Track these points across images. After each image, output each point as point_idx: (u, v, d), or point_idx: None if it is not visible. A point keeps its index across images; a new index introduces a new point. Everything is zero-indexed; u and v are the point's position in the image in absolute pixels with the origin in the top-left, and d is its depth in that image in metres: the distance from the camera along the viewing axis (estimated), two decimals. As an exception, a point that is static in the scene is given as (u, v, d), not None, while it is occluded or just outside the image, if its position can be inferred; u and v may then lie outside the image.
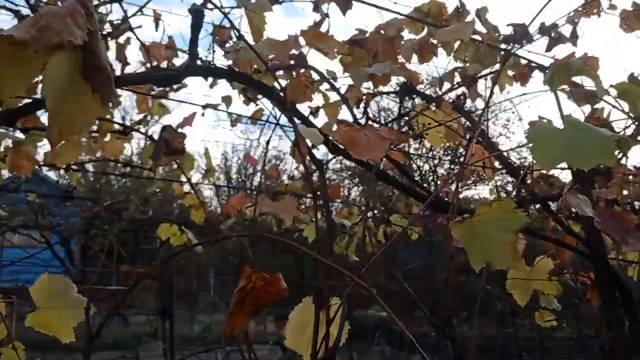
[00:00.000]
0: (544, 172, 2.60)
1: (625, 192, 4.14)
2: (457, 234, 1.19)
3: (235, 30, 1.40)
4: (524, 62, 2.29)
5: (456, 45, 2.22)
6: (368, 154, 1.12)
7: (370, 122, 2.60)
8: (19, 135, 2.15)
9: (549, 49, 2.33)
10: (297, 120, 1.44)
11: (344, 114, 2.53)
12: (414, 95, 2.57)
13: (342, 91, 2.38)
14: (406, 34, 1.95)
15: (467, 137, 2.06)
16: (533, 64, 2.37)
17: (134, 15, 2.03)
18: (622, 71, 2.01)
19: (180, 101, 3.09)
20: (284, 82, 1.58)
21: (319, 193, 1.30)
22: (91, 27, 0.69)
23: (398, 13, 2.03)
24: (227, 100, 2.72)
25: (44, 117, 2.42)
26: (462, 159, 2.35)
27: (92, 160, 2.81)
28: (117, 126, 2.58)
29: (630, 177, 3.91)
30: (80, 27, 0.68)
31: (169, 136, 1.10)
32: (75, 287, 1.30)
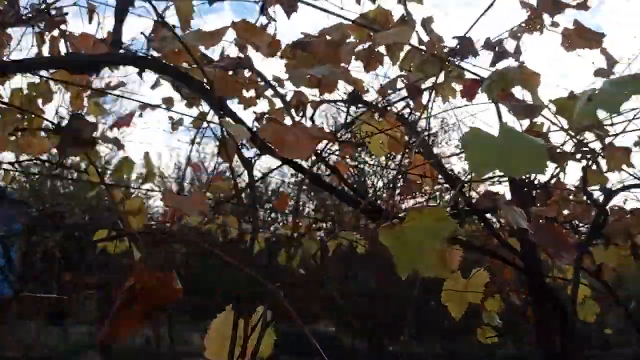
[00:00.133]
0: (489, 188, 2.61)
1: (566, 212, 4.23)
2: (385, 240, 1.14)
3: (158, 18, 1.33)
4: (470, 75, 2.30)
5: (402, 55, 2.20)
6: (295, 152, 1.06)
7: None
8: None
9: (493, 64, 2.34)
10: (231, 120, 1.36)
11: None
12: (361, 105, 2.54)
13: (289, 98, 2.33)
14: (352, 41, 1.92)
15: (409, 147, 2.04)
16: (478, 78, 2.38)
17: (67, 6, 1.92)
18: (563, 89, 2.04)
19: (119, 96, 2.95)
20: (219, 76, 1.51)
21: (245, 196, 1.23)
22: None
23: (344, 18, 1.99)
24: (168, 102, 2.62)
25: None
26: (402, 169, 2.33)
27: (20, 161, 2.65)
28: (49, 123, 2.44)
29: (571, 196, 4.00)
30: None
31: (78, 126, 1.01)
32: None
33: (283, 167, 1.97)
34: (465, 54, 2.12)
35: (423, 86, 2.05)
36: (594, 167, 2.11)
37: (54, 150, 2.39)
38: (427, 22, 2.02)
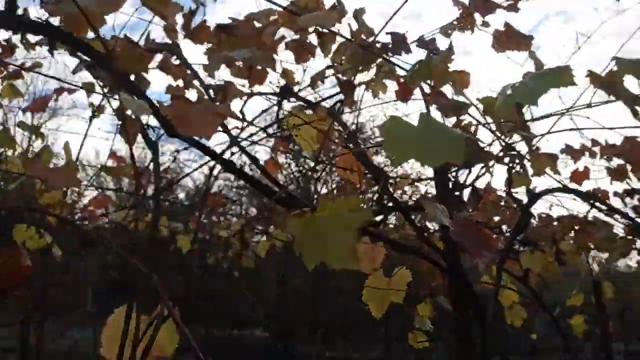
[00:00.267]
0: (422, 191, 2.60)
1: (497, 218, 4.30)
2: (293, 229, 1.07)
3: (51, -25, 1.21)
4: (401, 72, 2.27)
5: (334, 47, 2.15)
6: (198, 130, 0.97)
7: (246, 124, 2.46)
8: None
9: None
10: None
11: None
12: (292, 98, 2.47)
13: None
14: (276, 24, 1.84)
15: (337, 142, 1.98)
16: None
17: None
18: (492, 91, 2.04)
19: (34, 72, 2.75)
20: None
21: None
22: None
23: (275, 3, 1.92)
24: (89, 86, 2.45)
25: None
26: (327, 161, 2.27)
27: None
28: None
29: (502, 202, 4.08)
30: None
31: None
32: None
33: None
34: (397, 50, 2.09)
35: (353, 79, 2.00)
36: (520, 169, 2.12)
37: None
38: (358, 13, 1.97)
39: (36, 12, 1.49)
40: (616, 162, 3.14)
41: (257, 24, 1.93)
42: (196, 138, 1.23)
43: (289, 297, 13.86)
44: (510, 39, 2.11)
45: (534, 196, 2.12)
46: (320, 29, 2.06)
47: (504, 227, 4.19)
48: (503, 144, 1.92)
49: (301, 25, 1.70)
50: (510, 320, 4.74)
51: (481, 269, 3.49)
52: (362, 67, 1.98)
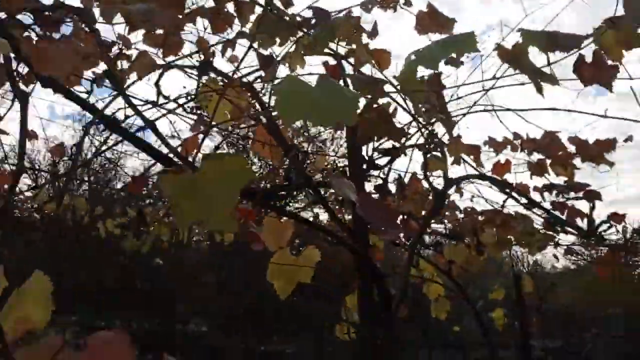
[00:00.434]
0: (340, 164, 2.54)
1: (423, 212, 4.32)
2: (165, 187, 0.97)
3: None
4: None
5: (252, 18, 2.06)
6: (54, 68, 0.86)
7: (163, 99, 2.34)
8: None
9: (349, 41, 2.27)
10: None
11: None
12: (211, 72, 2.36)
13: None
14: None
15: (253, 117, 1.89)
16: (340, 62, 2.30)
17: None
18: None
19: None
20: None
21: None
22: None
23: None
24: None
25: None
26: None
27: None
28: None
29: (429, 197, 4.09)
30: None
31: None
32: None
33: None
34: (318, 25, 2.02)
35: (270, 51, 1.92)
36: (438, 154, 2.10)
37: None
38: (277, -18, 1.89)
39: None
40: (536, 156, 3.20)
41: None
42: (72, 91, 1.11)
43: (227, 290, 13.63)
44: (432, 21, 2.08)
45: (449, 182, 2.10)
46: (238, -3, 1.97)
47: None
48: (421, 125, 1.89)
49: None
50: (435, 313, 4.81)
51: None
52: (279, 40, 1.90)
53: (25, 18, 1.67)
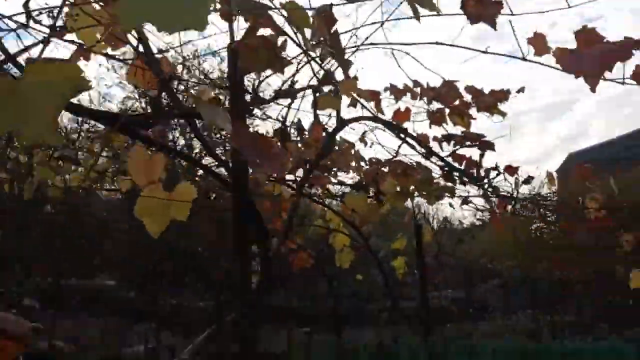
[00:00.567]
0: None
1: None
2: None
3: None
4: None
5: None
6: None
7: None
8: None
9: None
10: None
11: None
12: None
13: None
14: None
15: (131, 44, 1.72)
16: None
17: None
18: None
19: None
20: None
21: None
22: None
23: None
24: None
25: None
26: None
27: None
28: None
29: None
30: None
31: None
32: None
33: None
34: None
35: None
36: (330, 91, 2.03)
37: None
38: None
39: None
40: (436, 105, 3.23)
41: None
42: None
43: (137, 243, 13.19)
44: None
45: (342, 122, 2.05)
46: None
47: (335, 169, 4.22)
48: (309, 59, 1.81)
49: None
50: (340, 262, 4.88)
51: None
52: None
53: None
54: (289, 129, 2.68)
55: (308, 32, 1.77)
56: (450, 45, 1.82)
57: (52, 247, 11.54)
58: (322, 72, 2.16)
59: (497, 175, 3.12)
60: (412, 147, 2.99)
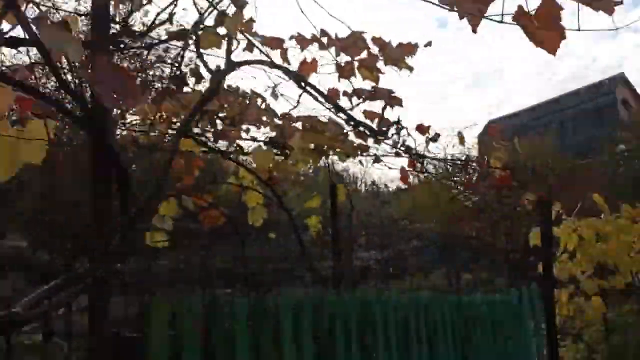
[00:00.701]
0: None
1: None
2: None
3: None
4: None
5: None
6: None
7: None
8: None
9: None
10: None
11: None
12: None
13: None
14: None
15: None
16: None
17: None
18: None
19: None
20: None
21: None
22: None
23: None
24: None
25: None
26: None
27: None
28: None
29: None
30: None
31: None
32: None
33: None
34: None
35: None
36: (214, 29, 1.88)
37: None
38: None
39: None
40: (344, 58, 3.13)
41: None
42: None
43: (50, 202, 12.48)
44: None
45: (231, 63, 1.91)
46: None
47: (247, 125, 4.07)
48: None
49: None
50: (252, 220, 4.77)
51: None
52: None
53: None
54: (184, 74, 2.50)
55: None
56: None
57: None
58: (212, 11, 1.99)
59: (400, 130, 3.08)
60: (315, 98, 2.88)
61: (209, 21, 2.22)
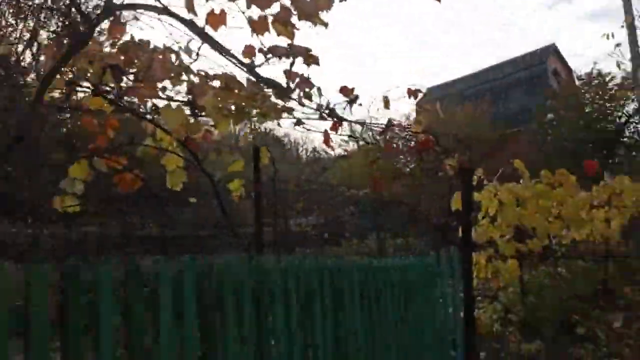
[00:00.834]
0: None
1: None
2: None
3: None
4: None
5: None
6: None
7: None
8: None
9: None
10: None
11: None
12: None
13: None
14: None
15: None
16: None
17: None
18: None
19: None
20: None
21: None
22: None
23: None
24: None
25: None
26: None
27: None
28: None
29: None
30: None
31: None
32: None
33: None
34: None
35: None
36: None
37: None
38: None
39: None
40: (257, 11, 2.94)
41: None
42: None
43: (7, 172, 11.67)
44: None
45: (108, 10, 1.70)
46: None
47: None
48: None
49: None
50: (171, 184, 4.55)
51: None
52: None
53: None
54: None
55: None
56: None
57: None
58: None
59: (311, 89, 2.95)
60: (220, 53, 2.69)
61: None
